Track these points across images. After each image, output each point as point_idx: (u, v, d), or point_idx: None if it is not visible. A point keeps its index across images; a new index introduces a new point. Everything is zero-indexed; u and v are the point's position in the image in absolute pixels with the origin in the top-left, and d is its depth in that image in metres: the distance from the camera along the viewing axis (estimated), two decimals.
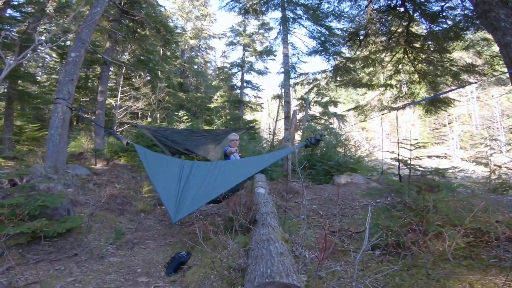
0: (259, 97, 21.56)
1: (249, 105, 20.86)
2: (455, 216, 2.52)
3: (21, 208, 2.54)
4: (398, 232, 2.82)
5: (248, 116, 23.80)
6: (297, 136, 17.19)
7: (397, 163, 3.56)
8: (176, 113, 18.12)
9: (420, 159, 3.14)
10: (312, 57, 8.56)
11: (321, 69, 9.00)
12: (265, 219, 3.36)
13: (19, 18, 7.92)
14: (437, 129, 30.89)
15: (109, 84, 12.17)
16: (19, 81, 9.23)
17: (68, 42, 12.44)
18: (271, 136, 21.59)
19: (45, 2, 8.70)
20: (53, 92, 11.72)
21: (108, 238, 3.33)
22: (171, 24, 20.14)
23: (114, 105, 14.57)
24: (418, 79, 7.17)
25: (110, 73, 11.88)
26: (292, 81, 11.28)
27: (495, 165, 7.98)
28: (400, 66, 7.36)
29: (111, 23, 9.59)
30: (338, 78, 8.75)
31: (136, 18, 9.38)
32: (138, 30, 10.25)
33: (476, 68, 6.32)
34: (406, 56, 6.94)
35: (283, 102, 10.22)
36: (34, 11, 8.50)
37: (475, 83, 6.74)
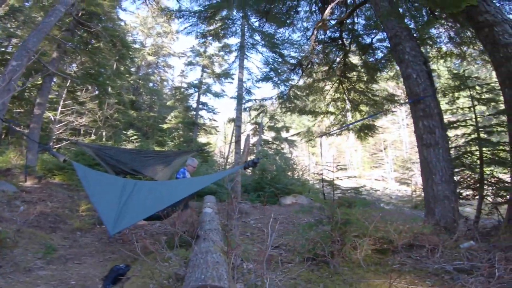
0: (215, 120, 21.82)
1: (204, 127, 20.94)
2: (363, 227, 3.06)
3: None
4: (322, 243, 3.26)
5: (202, 138, 23.73)
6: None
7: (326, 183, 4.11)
8: (124, 132, 17.26)
9: (341, 179, 3.72)
10: (265, 83, 9.30)
11: (272, 95, 9.81)
12: (207, 235, 3.53)
13: None
14: (375, 154, 34.60)
15: (49, 96, 11.27)
16: None
17: (10, 48, 11.32)
18: (224, 160, 21.76)
19: None
20: None
21: (36, 252, 3.12)
22: (130, 39, 19.79)
23: (53, 119, 13.38)
24: (350, 108, 8.32)
25: (53, 84, 11.08)
26: (246, 105, 11.95)
27: (415, 185, 9.37)
28: (337, 95, 8.46)
29: (62, 32, 9.16)
30: (286, 104, 9.60)
31: (92, 30, 9.14)
32: (92, 42, 9.93)
33: (396, 98, 7.63)
34: (341, 85, 8.06)
35: None
36: None
37: (382, 112, 8.11)
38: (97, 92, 13.72)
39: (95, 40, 10.06)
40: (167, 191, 3.53)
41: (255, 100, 9.48)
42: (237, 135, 9.95)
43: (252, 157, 18.00)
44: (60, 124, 13.55)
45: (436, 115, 3.66)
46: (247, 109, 11.42)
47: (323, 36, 7.74)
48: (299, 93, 9.87)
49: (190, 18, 7.73)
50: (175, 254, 2.83)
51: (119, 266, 2.81)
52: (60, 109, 13.48)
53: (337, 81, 8.09)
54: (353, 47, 7.93)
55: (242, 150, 19.55)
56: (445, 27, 5.61)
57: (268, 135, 24.22)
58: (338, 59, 8.21)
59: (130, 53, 12.07)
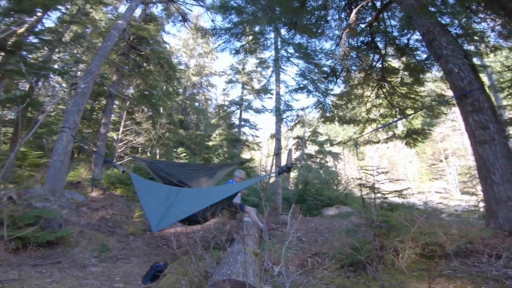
0: (257, 136, 22.22)
1: (247, 143, 21.44)
2: (406, 231, 2.79)
3: (19, 217, 2.86)
4: (361, 248, 3.06)
5: (246, 155, 24.28)
6: (292, 174, 17.48)
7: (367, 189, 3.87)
8: (175, 150, 18.65)
9: (383, 183, 3.49)
10: (301, 94, 9.29)
11: (309, 104, 9.71)
12: (242, 239, 3.60)
13: (37, 45, 8.67)
14: (434, 164, 31.15)
15: (113, 118, 12.87)
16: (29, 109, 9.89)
17: (78, 73, 13.43)
18: (277, 169, 21.70)
19: (63, 31, 9.64)
20: (59, 122, 12.37)
21: (93, 251, 3.54)
22: (176, 60, 21.55)
23: (115, 138, 15.22)
24: (395, 113, 7.76)
25: (114, 106, 12.65)
26: (285, 118, 12.00)
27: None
28: (378, 101, 7.99)
29: (119, 56, 10.58)
30: (324, 114, 9.39)
31: (142, 53, 10.35)
32: (144, 64, 11.19)
33: (446, 98, 6.87)
34: (380, 90, 7.61)
35: None
36: (52, 39, 9.39)
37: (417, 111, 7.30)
38: (150, 113, 15.21)
39: (146, 63, 11.32)
40: (206, 193, 3.76)
41: (292, 109, 9.48)
42: (277, 148, 9.97)
43: (295, 172, 17.72)
44: (121, 143, 15.35)
45: (488, 109, 3.25)
46: (286, 122, 11.43)
47: (354, 42, 7.55)
48: (337, 101, 9.62)
49: (222, 35, 8.22)
50: (210, 255, 2.95)
51: (158, 264, 3.04)
52: (121, 129, 15.32)
53: (377, 86, 7.70)
54: (389, 50, 7.56)
55: (285, 163, 19.31)
56: (488, 21, 5.02)
57: (312, 149, 23.72)
58: (375, 64, 7.87)
59: (176, 74, 13.19)
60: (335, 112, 8.84)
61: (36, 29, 8.42)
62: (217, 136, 21.56)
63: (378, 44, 7.02)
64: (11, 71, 6.79)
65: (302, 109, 9.18)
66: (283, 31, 8.60)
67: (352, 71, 7.85)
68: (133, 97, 12.06)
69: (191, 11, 20.43)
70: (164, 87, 13.46)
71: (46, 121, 13.46)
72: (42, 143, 12.51)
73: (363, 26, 6.79)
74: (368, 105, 8.17)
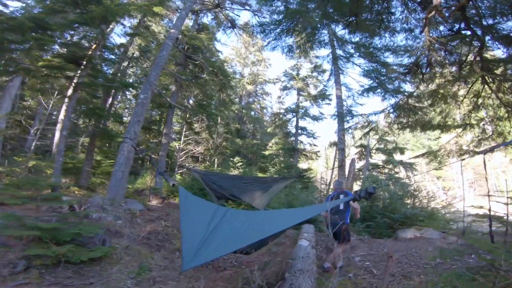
0: (315, 145, 21.05)
1: (304, 153, 20.45)
2: None
3: (58, 233, 2.70)
4: None
5: (303, 164, 23.20)
6: (356, 186, 15.67)
7: (484, 219, 2.70)
8: (231, 159, 18.82)
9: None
10: (368, 98, 8.02)
11: (380, 109, 8.35)
12: (296, 278, 2.81)
13: (113, 60, 9.49)
14: None
15: (175, 128, 13.49)
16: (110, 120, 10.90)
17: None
18: (326, 186, 20.26)
19: (127, 45, 10.52)
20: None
21: (131, 272, 3.23)
22: (230, 70, 22.08)
23: (178, 148, 16.05)
24: (506, 114, 5.92)
25: (177, 116, 13.20)
26: (349, 125, 10.72)
27: None
28: (480, 100, 6.24)
29: (177, 67, 11.06)
30: (402, 120, 7.93)
31: (197, 62, 10.63)
32: (199, 74, 11.51)
33: None
34: (486, 86, 5.88)
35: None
36: (121, 54, 10.32)
37: None
38: (208, 122, 15.61)
39: (201, 73, 11.61)
40: (261, 223, 3.13)
41: (361, 114, 8.28)
42: (340, 159, 8.83)
43: (359, 184, 15.85)
44: (182, 152, 16.11)
45: None
46: (350, 129, 10.18)
47: (436, 32, 6.08)
48: (416, 104, 8.05)
49: (271, 30, 7.62)
50: None
51: None
52: (182, 138, 16.10)
53: (480, 81, 6.00)
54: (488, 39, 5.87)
55: (346, 176, 17.65)
56: None
57: (378, 158, 21.25)
58: (470, 56, 6.21)
59: (230, 82, 13.26)
60: (414, 117, 7.34)
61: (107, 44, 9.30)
62: (273, 145, 21.12)
63: (475, 30, 5.49)
64: (84, 84, 7.45)
65: (375, 113, 7.91)
66: (339, 29, 7.63)
67: (439, 66, 6.34)
68: (191, 107, 12.47)
69: (239, 16, 20.59)
70: (221, 96, 13.71)
71: (118, 131, 14.96)
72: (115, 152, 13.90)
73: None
74: (466, 106, 6.50)
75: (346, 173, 11.39)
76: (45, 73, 7.32)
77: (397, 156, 20.02)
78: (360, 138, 16.76)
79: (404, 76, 7.00)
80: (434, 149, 9.01)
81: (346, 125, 9.36)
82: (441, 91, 6.62)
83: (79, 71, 7.47)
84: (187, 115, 14.52)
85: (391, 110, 7.51)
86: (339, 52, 8.43)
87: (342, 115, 8.09)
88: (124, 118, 18.04)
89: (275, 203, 9.24)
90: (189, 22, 11.64)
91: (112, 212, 5.54)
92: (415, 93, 7.56)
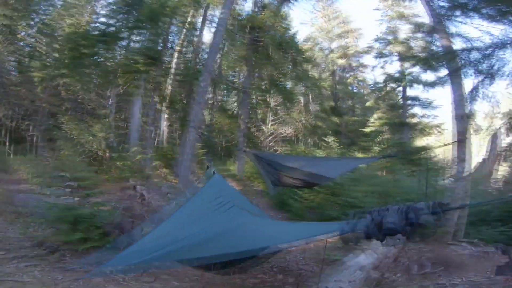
0: (436, 116, 16.61)
1: (418, 127, 16.54)
2: None
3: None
4: None
5: (420, 141, 18.86)
6: (500, 172, 11.13)
7: None
8: (324, 138, 17.30)
9: None
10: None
11: None
12: None
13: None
14: None
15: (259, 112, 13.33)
16: None
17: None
18: (460, 165, 15.56)
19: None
20: None
21: None
22: (317, 47, 20.20)
23: (265, 130, 15.99)
24: None
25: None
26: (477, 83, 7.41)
27: None
28: None
29: (247, 51, 10.69)
30: None
31: (261, 42, 9.92)
32: (271, 54, 10.79)
33: None
34: None
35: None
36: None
37: None
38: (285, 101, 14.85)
39: (271, 51, 10.80)
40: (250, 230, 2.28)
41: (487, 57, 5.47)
42: (460, 131, 6.14)
43: (505, 169, 11.09)
44: (270, 135, 15.97)
45: None
46: (481, 88, 7.00)
47: None
48: None
49: None
50: None
51: None
52: (269, 122, 15.93)
53: None
54: None
55: (487, 154, 13.05)
56: None
57: None
58: None
59: (303, 56, 11.81)
60: None
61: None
62: (376, 120, 18.01)
63: None
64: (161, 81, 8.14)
65: None
66: None
67: None
68: (266, 88, 11.95)
69: None
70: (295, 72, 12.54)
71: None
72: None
73: None
74: None
75: (479, 151, 8.10)
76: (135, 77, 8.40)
77: None
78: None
79: None
80: None
81: (468, 83, 6.51)
82: None
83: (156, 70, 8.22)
84: (268, 97, 14.12)
85: None
86: None
87: (458, 69, 5.58)
88: None
89: (366, 191, 7.47)
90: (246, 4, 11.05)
91: (173, 200, 5.77)
92: None
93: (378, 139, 17.92)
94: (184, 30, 10.73)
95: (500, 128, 14.86)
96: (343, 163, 5.82)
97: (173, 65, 10.35)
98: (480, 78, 6.21)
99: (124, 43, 8.77)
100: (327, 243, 4.66)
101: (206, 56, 8.49)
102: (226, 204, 2.87)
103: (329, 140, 16.13)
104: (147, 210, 5.04)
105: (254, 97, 13.61)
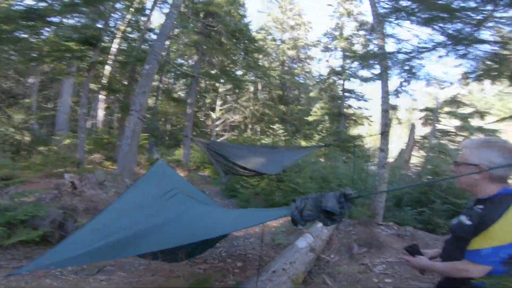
0: (366, 109, 18.57)
1: (353, 117, 18.26)
2: None
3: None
4: None
5: (354, 130, 20.94)
6: (415, 158, 13.17)
7: None
8: (271, 126, 17.86)
9: None
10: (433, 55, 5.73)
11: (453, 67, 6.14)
12: None
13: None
14: None
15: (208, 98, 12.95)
16: None
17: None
18: (382, 154, 17.84)
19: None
20: None
21: None
22: (270, 37, 20.51)
23: (214, 117, 15.74)
24: None
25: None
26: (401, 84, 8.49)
27: None
28: None
29: (198, 36, 10.23)
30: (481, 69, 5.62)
31: (215, 29, 9.64)
32: (223, 41, 10.54)
33: None
34: None
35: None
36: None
37: None
38: (234, 89, 14.82)
39: (224, 39, 10.57)
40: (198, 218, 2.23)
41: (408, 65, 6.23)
42: (383, 124, 6.92)
43: (423, 152, 13.19)
44: (218, 121, 15.78)
45: None
46: (401, 88, 7.98)
47: None
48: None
49: None
50: None
51: None
52: (218, 108, 15.67)
53: None
54: None
55: (406, 144, 14.99)
56: None
57: (449, 124, 17.59)
58: None
59: (255, 45, 11.91)
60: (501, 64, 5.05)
61: None
62: (318, 110, 19.31)
63: None
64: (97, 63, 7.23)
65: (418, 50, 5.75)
66: None
67: None
68: (217, 74, 11.66)
69: None
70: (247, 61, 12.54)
71: None
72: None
73: None
74: None
75: (399, 141, 9.35)
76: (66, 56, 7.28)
77: (475, 122, 16.18)
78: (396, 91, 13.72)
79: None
80: None
81: (394, 83, 7.22)
82: None
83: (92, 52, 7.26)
84: (218, 84, 13.84)
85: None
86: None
87: (386, 68, 6.22)
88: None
89: (305, 177, 7.93)
90: None
91: (110, 188, 5.30)
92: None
93: (319, 128, 19.34)
94: (132, 9, 9.63)
95: (417, 121, 17.48)
96: (290, 154, 6.05)
97: (115, 46, 9.32)
98: (404, 77, 7.13)
99: (56, 19, 7.43)
100: (273, 229, 4.92)
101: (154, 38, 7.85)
102: (171, 191, 2.73)
103: (276, 128, 16.75)
104: (80, 200, 4.54)
105: (203, 83, 13.18)
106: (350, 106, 18.35)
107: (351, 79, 16.51)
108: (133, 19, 10.36)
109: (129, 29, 10.41)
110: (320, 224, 4.31)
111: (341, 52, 17.16)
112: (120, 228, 2.01)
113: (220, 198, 8.00)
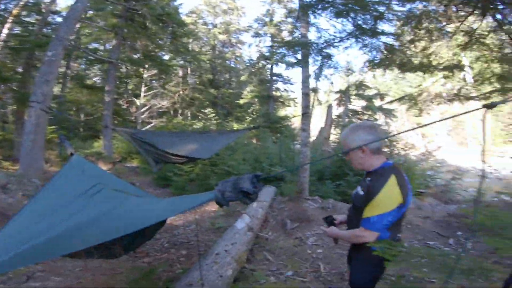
0: (292, 91, 19.95)
1: (280, 100, 19.38)
2: None
3: None
4: None
5: (281, 112, 22.35)
6: (333, 136, 15.01)
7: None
8: (203, 110, 17.48)
9: None
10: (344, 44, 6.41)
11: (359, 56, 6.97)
12: None
13: None
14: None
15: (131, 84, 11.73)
16: None
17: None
18: (304, 134, 19.66)
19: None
20: None
21: None
22: (201, 21, 19.70)
23: (138, 104, 14.41)
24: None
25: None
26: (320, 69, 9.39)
27: None
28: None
29: (118, 19, 9.06)
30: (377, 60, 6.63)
31: (139, 12, 8.71)
32: (148, 25, 9.61)
33: None
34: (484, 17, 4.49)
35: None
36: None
37: None
38: (160, 74, 13.91)
39: (149, 23, 9.68)
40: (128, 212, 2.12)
41: (325, 55, 6.91)
42: (304, 106, 7.49)
43: (338, 130, 15.07)
44: (144, 109, 14.54)
45: None
46: (322, 73, 8.81)
47: None
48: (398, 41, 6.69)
49: None
50: None
51: None
52: (142, 94, 14.37)
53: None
54: None
55: (325, 123, 16.65)
56: None
57: (358, 104, 20.41)
58: None
59: (183, 30, 11.28)
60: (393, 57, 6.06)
61: None
62: (248, 93, 19.80)
63: None
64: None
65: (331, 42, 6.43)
66: None
67: None
68: (139, 59, 10.62)
69: None
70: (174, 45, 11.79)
71: None
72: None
73: None
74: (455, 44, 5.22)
75: (318, 122, 10.47)
76: None
77: (378, 102, 19.21)
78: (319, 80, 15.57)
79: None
80: (414, 93, 7.96)
81: (314, 67, 7.93)
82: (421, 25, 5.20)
83: None
84: (142, 69, 12.62)
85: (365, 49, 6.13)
86: None
87: (307, 56, 6.74)
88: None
89: (238, 159, 8.09)
90: None
91: (17, 191, 4.47)
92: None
93: (250, 110, 19.93)
94: None
95: (333, 102, 19.67)
96: (222, 138, 6.06)
97: (4, 32, 7.43)
98: (321, 63, 7.89)
99: None
100: (212, 213, 5.00)
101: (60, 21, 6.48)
102: (94, 187, 2.49)
103: (207, 112, 16.49)
104: None
105: (124, 68, 11.78)
106: (278, 89, 19.31)
107: (279, 64, 17.28)
108: (31, 1, 8.46)
109: (25, 12, 8.47)
110: (255, 204, 4.61)
111: (270, 38, 17.76)
112: (41, 231, 1.79)
113: (153, 188, 7.61)
